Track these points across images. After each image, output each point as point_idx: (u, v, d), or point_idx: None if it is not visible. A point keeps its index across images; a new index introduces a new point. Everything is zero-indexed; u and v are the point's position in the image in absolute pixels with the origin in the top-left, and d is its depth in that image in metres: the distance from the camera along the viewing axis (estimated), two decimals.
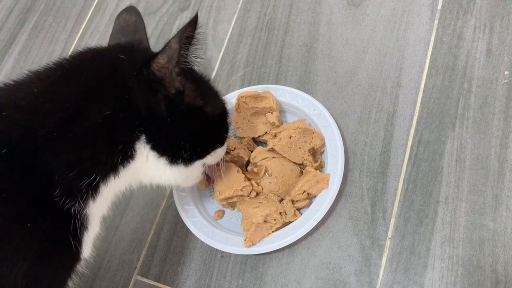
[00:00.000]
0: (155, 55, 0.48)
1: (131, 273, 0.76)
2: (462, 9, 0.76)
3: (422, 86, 0.73)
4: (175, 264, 0.74)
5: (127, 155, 0.51)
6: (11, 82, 0.49)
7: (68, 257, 0.50)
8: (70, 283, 0.52)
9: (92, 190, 0.50)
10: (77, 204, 0.48)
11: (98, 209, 0.53)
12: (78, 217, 0.49)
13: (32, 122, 0.46)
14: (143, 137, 0.51)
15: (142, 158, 0.53)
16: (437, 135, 0.69)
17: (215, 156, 0.61)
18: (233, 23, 0.91)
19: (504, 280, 0.59)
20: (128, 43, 0.58)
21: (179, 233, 0.76)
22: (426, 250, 0.63)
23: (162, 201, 0.79)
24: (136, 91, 0.49)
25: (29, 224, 0.44)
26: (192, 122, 0.54)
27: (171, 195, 0.78)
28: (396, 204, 0.67)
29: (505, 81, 0.69)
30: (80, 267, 0.53)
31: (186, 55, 0.49)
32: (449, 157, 0.67)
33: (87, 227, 0.51)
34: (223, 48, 0.89)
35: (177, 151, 0.54)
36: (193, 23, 0.47)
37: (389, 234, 0.66)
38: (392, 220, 0.66)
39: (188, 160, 0.56)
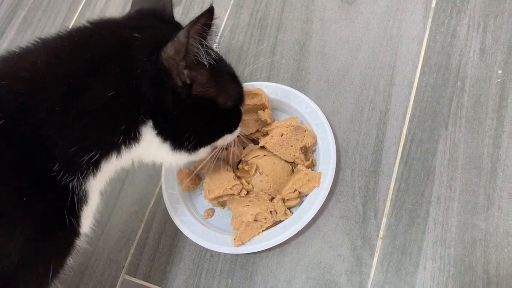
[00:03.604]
0: (166, 42, 0.46)
1: (118, 272, 0.74)
2: (456, 7, 0.75)
3: (415, 84, 0.72)
4: (164, 263, 0.73)
5: (131, 137, 0.50)
6: (16, 51, 0.48)
7: (67, 233, 0.49)
8: (70, 260, 0.51)
9: (93, 166, 0.48)
10: (76, 180, 0.47)
11: (97, 184, 0.52)
12: (77, 193, 0.47)
13: (34, 94, 0.45)
14: (150, 123, 0.50)
15: (147, 142, 0.51)
16: (430, 134, 0.68)
17: (223, 140, 0.59)
18: (225, 20, 0.90)
19: (495, 281, 0.58)
20: (150, 10, 0.56)
21: (168, 232, 0.75)
22: (418, 250, 0.63)
23: (151, 199, 0.78)
24: (144, 78, 0.47)
25: (25, 199, 0.43)
26: (199, 116, 0.53)
27: (160, 193, 0.76)
28: (388, 204, 0.66)
29: (498, 80, 0.69)
30: (80, 242, 0.52)
31: (199, 47, 0.47)
32: (441, 156, 0.67)
33: (86, 201, 0.50)
34: (215, 45, 0.87)
35: (181, 141, 0.53)
36: (207, 15, 0.45)
37: (381, 233, 0.65)
38: (384, 220, 0.65)
39: (192, 149, 0.55)
